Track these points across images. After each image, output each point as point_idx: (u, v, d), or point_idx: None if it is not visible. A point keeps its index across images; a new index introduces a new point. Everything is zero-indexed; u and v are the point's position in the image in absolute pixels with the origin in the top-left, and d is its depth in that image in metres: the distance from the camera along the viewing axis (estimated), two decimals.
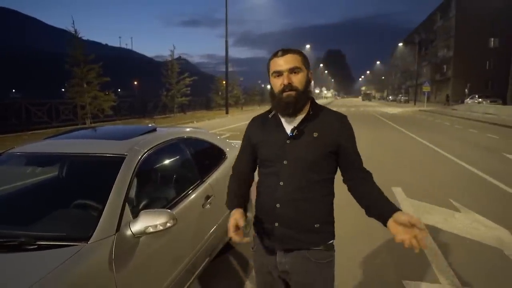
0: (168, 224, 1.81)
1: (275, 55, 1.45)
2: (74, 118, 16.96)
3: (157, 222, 1.78)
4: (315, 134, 1.42)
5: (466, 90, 43.93)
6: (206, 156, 3.15)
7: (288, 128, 1.45)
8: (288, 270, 1.48)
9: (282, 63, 1.41)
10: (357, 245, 3.58)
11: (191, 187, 2.56)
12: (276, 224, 1.46)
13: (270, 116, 1.53)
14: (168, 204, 2.26)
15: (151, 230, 1.78)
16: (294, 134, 1.42)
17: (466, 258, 3.27)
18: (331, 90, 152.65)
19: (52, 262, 1.45)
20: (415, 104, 48.13)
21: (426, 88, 37.23)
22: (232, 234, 1.41)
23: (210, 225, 2.70)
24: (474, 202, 4.90)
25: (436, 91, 56.37)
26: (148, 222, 1.78)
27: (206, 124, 18.97)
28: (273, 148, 1.46)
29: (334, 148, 1.43)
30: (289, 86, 1.40)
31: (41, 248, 1.56)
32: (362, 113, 30.52)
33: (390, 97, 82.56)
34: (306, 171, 1.41)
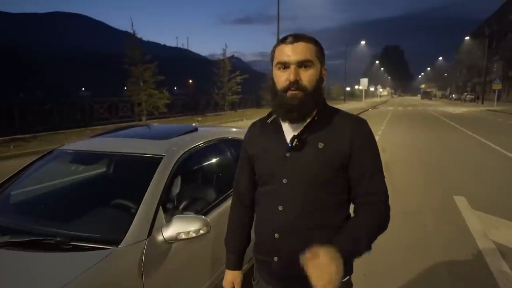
0: (201, 231, 1.72)
1: (283, 40, 1.12)
2: (131, 115, 18.02)
3: (190, 229, 1.71)
4: (321, 145, 1.11)
5: None
6: None
7: (289, 137, 1.15)
8: None
9: (291, 53, 1.09)
10: (410, 259, 3.24)
11: (231, 191, 2.46)
12: (275, 259, 1.18)
13: (268, 121, 1.23)
14: (206, 207, 2.18)
15: (183, 236, 1.70)
16: (294, 144, 1.12)
17: None
18: (388, 88, 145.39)
19: (82, 265, 1.42)
20: (482, 103, 44.01)
21: (497, 85, 33.78)
22: None
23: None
24: None
25: (509, 89, 50.92)
26: (181, 228, 1.71)
27: None
28: (270, 162, 1.18)
29: (345, 161, 1.12)
30: (295, 84, 1.09)
31: (75, 249, 1.56)
32: (420, 112, 28.61)
33: (453, 95, 76.50)
34: (312, 193, 1.12)
